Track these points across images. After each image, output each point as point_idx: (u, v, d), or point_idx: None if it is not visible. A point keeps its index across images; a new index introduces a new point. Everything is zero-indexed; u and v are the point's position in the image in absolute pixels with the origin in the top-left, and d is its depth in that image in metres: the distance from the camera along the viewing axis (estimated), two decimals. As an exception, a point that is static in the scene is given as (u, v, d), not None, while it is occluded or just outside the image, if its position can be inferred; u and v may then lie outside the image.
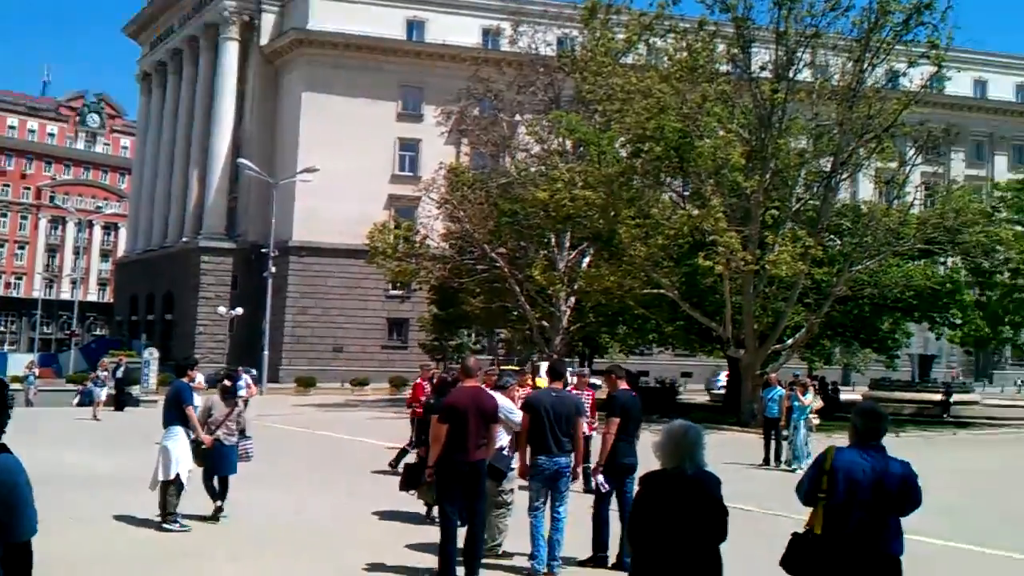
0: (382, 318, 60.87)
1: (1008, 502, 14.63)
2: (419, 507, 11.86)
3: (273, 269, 48.89)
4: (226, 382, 12.22)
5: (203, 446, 11.20)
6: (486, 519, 9.87)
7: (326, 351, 58.92)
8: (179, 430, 11.15)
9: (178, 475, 10.96)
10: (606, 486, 9.50)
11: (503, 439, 9.94)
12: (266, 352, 47.90)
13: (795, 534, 5.52)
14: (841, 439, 18.88)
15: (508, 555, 9.75)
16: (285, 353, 58.09)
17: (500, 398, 10.25)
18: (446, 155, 51.20)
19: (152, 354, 39.17)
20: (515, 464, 9.68)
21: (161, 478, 10.97)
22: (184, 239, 66.07)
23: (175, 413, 11.18)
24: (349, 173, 58.10)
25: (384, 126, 61.23)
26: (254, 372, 26.78)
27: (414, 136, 61.46)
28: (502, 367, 16.50)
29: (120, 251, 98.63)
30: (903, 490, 5.33)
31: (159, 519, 11.03)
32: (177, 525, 10.94)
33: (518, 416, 9.59)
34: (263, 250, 50.71)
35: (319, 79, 60.46)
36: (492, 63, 44.94)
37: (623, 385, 9.89)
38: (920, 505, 5.42)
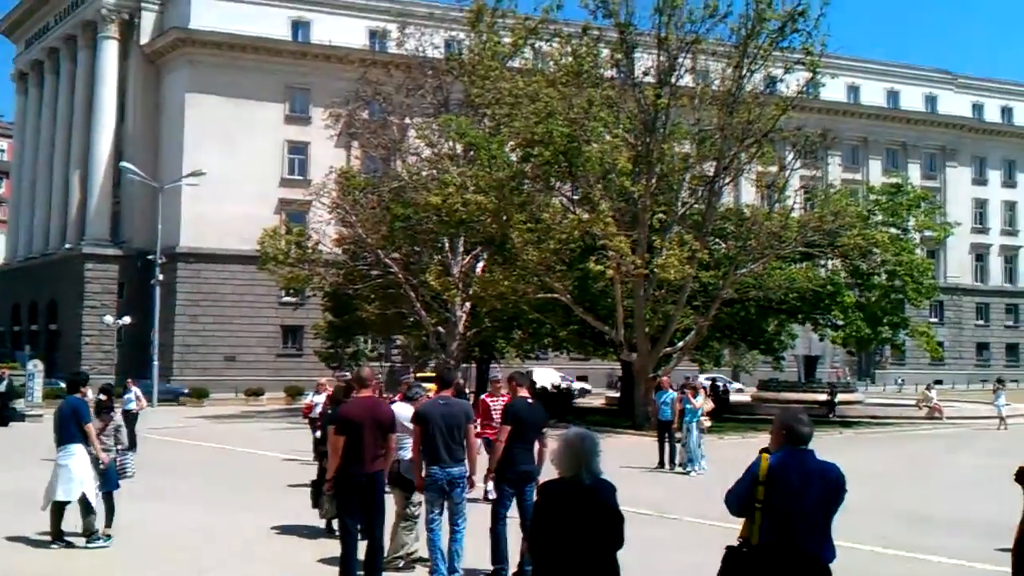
0: (276, 326, 60.04)
1: (902, 501, 15.21)
2: (319, 520, 11.87)
3: (161, 276, 47.81)
4: (101, 396, 12.11)
5: (100, 465, 11.00)
6: (396, 531, 9.98)
7: (218, 360, 57.81)
8: (78, 448, 10.90)
9: (84, 495, 10.81)
10: (493, 494, 9.55)
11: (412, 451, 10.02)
12: (155, 362, 46.83)
13: (730, 547, 5.44)
14: (733, 440, 19.68)
15: (424, 561, 9.69)
16: (176, 363, 56.83)
17: (408, 409, 10.35)
18: (336, 158, 50.94)
19: (36, 366, 37.87)
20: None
21: (62, 498, 10.80)
22: (67, 245, 63.98)
23: (73, 431, 10.90)
24: (237, 177, 57.28)
25: (272, 128, 60.44)
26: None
27: (303, 139, 60.91)
28: (418, 375, 16.66)
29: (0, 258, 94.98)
30: (839, 494, 5.31)
31: (50, 539, 10.88)
32: (99, 541, 10.86)
33: None
34: (150, 257, 49.51)
35: (202, 80, 59.25)
36: (380, 65, 44.85)
37: (522, 392, 9.94)
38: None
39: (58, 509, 10.92)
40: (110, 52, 62.88)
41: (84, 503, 10.87)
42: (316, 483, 11.62)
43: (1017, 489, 5.54)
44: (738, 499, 5.37)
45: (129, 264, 59.70)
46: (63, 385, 13.20)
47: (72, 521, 11.17)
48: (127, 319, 52.70)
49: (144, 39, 62.62)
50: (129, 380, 25.66)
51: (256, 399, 48.74)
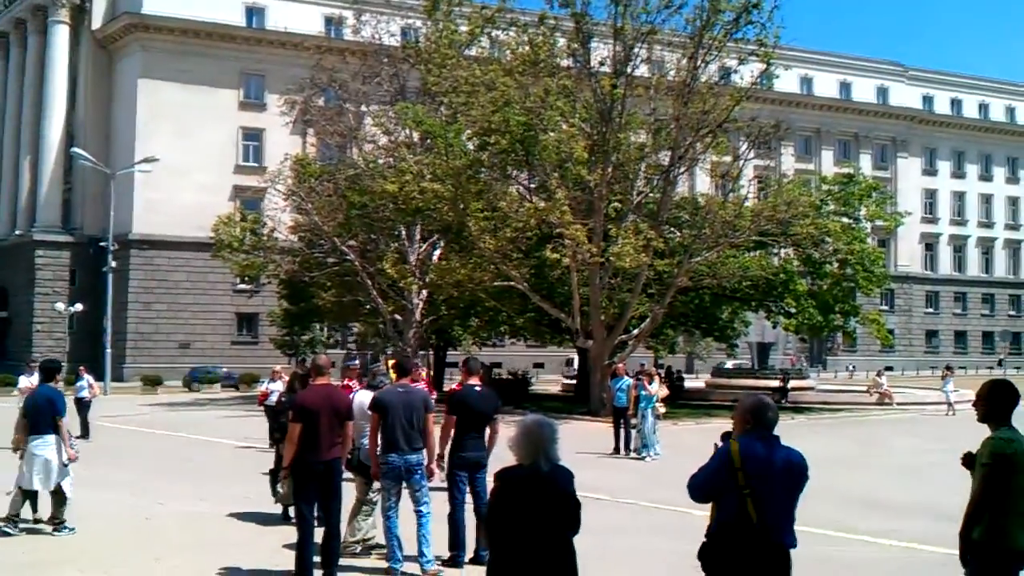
0: (230, 313, 59.65)
1: (853, 485, 15.47)
2: (275, 507, 11.89)
3: (113, 263, 47.27)
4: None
5: (68, 461, 11.00)
6: (354, 517, 10.03)
7: (172, 348, 57.35)
8: (54, 439, 10.87)
9: (59, 485, 10.84)
10: (442, 479, 9.51)
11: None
12: (108, 350, 46.33)
13: (710, 536, 5.28)
14: (687, 426, 19.85)
15: (381, 547, 9.73)
16: (129, 351, 56.29)
17: (371, 396, 10.38)
18: (292, 145, 50.61)
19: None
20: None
21: (39, 487, 10.84)
22: (17, 232, 63.16)
23: (48, 420, 10.86)
24: (191, 163, 56.93)
25: (226, 115, 59.99)
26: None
27: (258, 125, 60.44)
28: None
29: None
30: (803, 479, 5.30)
31: (3, 523, 10.90)
32: (66, 531, 10.90)
33: None
34: (102, 243, 48.92)
35: (155, 65, 58.55)
36: (336, 52, 44.56)
37: (471, 380, 9.89)
38: None
39: (27, 496, 10.94)
40: (61, 37, 61.95)
41: (59, 492, 10.89)
42: (274, 471, 11.63)
43: (965, 473, 5.71)
44: (704, 485, 5.31)
45: (81, 251, 59.01)
46: (36, 373, 13.06)
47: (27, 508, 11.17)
48: (79, 306, 52.12)
49: (96, 24, 61.67)
50: (81, 368, 25.43)
51: (210, 386, 48.43)
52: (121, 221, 52.26)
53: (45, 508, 11.15)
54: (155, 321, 57.80)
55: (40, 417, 10.91)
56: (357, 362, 15.25)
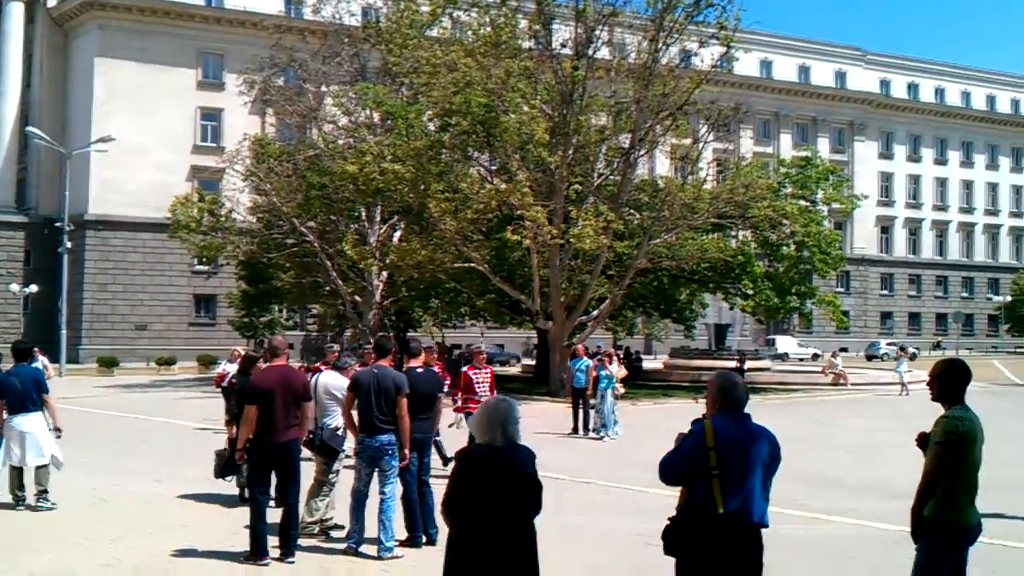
0: (188, 294, 59.13)
1: (808, 464, 15.69)
2: (233, 488, 11.87)
3: (69, 244, 46.61)
4: None
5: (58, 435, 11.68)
6: (311, 498, 10.06)
7: (129, 329, 56.85)
8: (39, 415, 11.47)
9: (54, 456, 11.48)
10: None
11: (338, 419, 10.10)
12: (64, 331, 45.77)
13: (673, 518, 5.28)
14: (646, 406, 19.94)
15: (340, 527, 9.82)
16: (85, 332, 55.74)
17: (337, 377, 10.42)
18: (250, 126, 50.21)
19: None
20: (347, 445, 9.82)
21: (32, 463, 11.31)
22: (-30, 212, 62.04)
23: (36, 398, 11.41)
24: (148, 143, 56.48)
25: (184, 95, 59.37)
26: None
27: (216, 105, 59.86)
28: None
29: None
30: (777, 457, 5.32)
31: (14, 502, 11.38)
32: (48, 503, 11.35)
33: None
34: (57, 224, 48.25)
35: (112, 44, 57.75)
36: (296, 32, 44.26)
37: (413, 363, 9.92)
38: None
39: (17, 473, 11.38)
40: (16, 15, 60.76)
41: (44, 467, 11.41)
42: (222, 452, 11.62)
43: (917, 452, 5.84)
44: (676, 467, 5.26)
45: (35, 231, 58.23)
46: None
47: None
48: (33, 287, 51.47)
49: (52, 2, 60.73)
50: (36, 349, 25.09)
51: (168, 368, 48.06)
52: (77, 201, 51.60)
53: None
54: (111, 302, 57.23)
55: (27, 396, 11.35)
56: (336, 346, 15.25)
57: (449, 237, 29.58)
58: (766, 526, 5.23)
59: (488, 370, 15.16)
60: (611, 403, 20.44)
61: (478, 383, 14.49)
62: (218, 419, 18.47)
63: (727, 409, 5.32)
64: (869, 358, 68.30)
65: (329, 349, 12.71)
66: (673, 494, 5.42)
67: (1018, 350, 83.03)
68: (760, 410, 5.49)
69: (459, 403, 14.93)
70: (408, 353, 10.04)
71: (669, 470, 5.29)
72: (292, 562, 8.72)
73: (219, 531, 10.17)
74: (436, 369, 14.40)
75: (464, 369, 15.17)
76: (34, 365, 22.80)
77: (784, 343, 71.18)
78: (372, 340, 10.63)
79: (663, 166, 50.25)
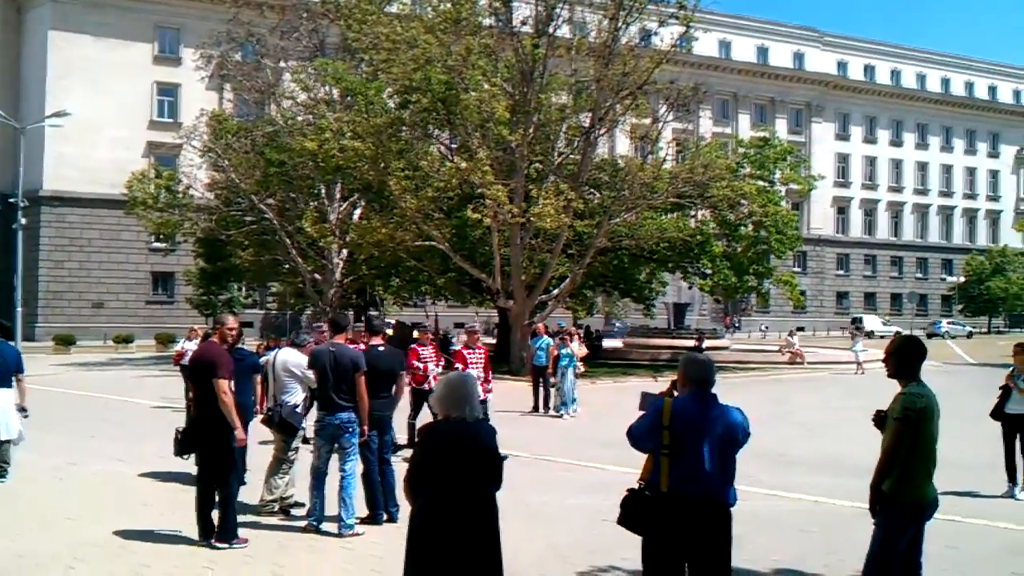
0: (145, 272, 58.56)
1: (765, 442, 15.82)
2: (192, 467, 11.80)
3: (23, 220, 45.89)
4: None
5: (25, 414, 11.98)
6: (270, 475, 10.06)
7: (85, 307, 56.25)
8: (9, 392, 11.75)
9: (21, 432, 11.82)
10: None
11: (297, 396, 10.08)
12: (19, 309, 45.08)
13: (631, 490, 5.43)
14: (605, 384, 20.04)
15: (300, 504, 9.83)
16: (41, 310, 55.14)
17: (295, 354, 10.39)
18: (208, 101, 49.65)
19: None
20: (306, 423, 9.80)
21: (3, 436, 11.62)
22: (-79, 188, 60.79)
23: (4, 374, 11.63)
24: (103, 118, 55.77)
25: (140, 69, 58.68)
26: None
27: (173, 80, 59.19)
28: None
29: None
30: (743, 436, 5.38)
31: None
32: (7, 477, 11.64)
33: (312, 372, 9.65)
34: (11, 200, 47.41)
35: (67, 18, 56.84)
36: (253, 6, 43.77)
37: (374, 340, 9.98)
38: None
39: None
40: (-34, -13, 59.52)
41: (7, 443, 11.70)
42: (182, 430, 11.53)
43: (871, 429, 5.95)
44: (639, 435, 5.40)
45: (-12, 208, 57.20)
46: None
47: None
48: (-13, 264, 50.64)
49: (3, -26, 59.49)
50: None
51: (125, 346, 47.60)
52: (31, 177, 50.88)
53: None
54: (67, 280, 56.60)
55: (4, 371, 11.64)
56: (323, 325, 15.04)
57: (409, 215, 29.48)
58: (727, 504, 5.30)
59: (482, 349, 15.12)
60: (571, 382, 20.57)
61: (472, 363, 14.39)
62: (177, 397, 18.38)
63: (691, 387, 5.44)
64: (930, 336, 69.01)
65: (317, 329, 12.50)
66: (633, 471, 5.49)
67: (971, 330, 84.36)
68: (718, 389, 5.58)
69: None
70: (370, 330, 10.05)
71: (634, 436, 5.46)
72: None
73: (180, 509, 10.12)
74: (431, 351, 14.59)
75: (458, 348, 15.14)
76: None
77: (870, 321, 75.50)
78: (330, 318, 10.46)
79: (623, 145, 50.40)
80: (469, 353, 14.71)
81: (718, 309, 70.12)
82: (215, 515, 8.72)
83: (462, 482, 5.03)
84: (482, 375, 14.24)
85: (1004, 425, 11.73)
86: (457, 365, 14.35)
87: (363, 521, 9.38)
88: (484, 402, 13.56)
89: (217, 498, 8.72)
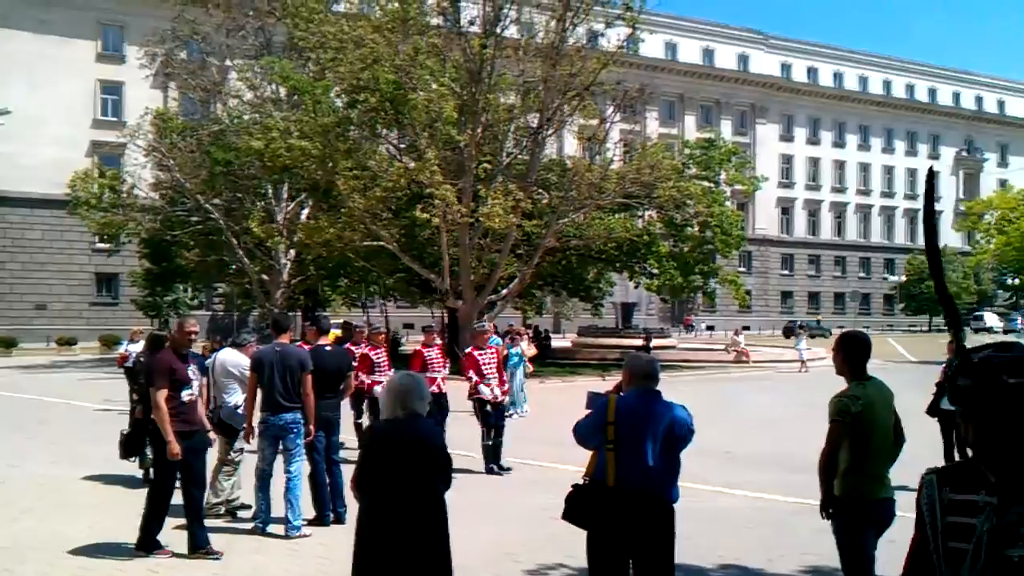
0: (89, 273, 57.71)
1: (711, 439, 15.99)
2: (137, 470, 11.72)
3: (-38, 220, 45.07)
4: None
5: None
6: (216, 477, 9.99)
7: (27, 309, 55.28)
8: None
9: None
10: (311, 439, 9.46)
11: (238, 397, 10.02)
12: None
13: (575, 485, 5.49)
14: (554, 384, 20.08)
15: (247, 507, 9.80)
16: (-20, 311, 54.02)
17: (236, 355, 10.34)
18: (153, 100, 49.07)
19: None
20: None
21: None
22: None
23: None
24: (46, 117, 54.88)
25: (83, 67, 57.82)
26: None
27: (117, 78, 58.40)
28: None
29: None
30: (687, 433, 5.44)
31: None
32: None
33: None
34: (-50, 201, 46.68)
35: (8, 14, 55.78)
36: (199, 4, 43.21)
37: (322, 340, 10.02)
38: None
39: None
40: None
41: None
42: (127, 434, 11.48)
43: (814, 428, 6.05)
44: (585, 432, 5.47)
45: (-73, 208, 56.10)
46: None
47: None
48: (-76, 266, 49.64)
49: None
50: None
51: (69, 348, 46.88)
52: (-30, 176, 49.95)
53: None
54: (9, 281, 55.63)
55: None
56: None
57: (358, 215, 29.36)
58: (670, 500, 5.37)
59: (493, 350, 14.25)
60: (520, 381, 20.64)
61: (485, 364, 13.47)
62: (121, 400, 18.16)
63: (635, 383, 5.51)
64: (1006, 331, 71.67)
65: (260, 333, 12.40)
66: (580, 469, 5.57)
67: (911, 328, 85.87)
68: (664, 387, 5.67)
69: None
70: (317, 330, 10.05)
71: (579, 434, 5.53)
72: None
73: (124, 512, 10.04)
74: (436, 352, 14.07)
75: (468, 350, 14.26)
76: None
77: (990, 318, 79.01)
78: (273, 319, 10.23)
79: (571, 146, 50.60)
80: (481, 355, 13.70)
81: (665, 309, 70.64)
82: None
83: (407, 481, 5.01)
84: (496, 375, 13.60)
85: (940, 421, 11.98)
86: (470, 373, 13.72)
87: (310, 522, 9.38)
88: (501, 403, 13.53)
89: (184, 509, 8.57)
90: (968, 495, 2.28)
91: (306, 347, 10.41)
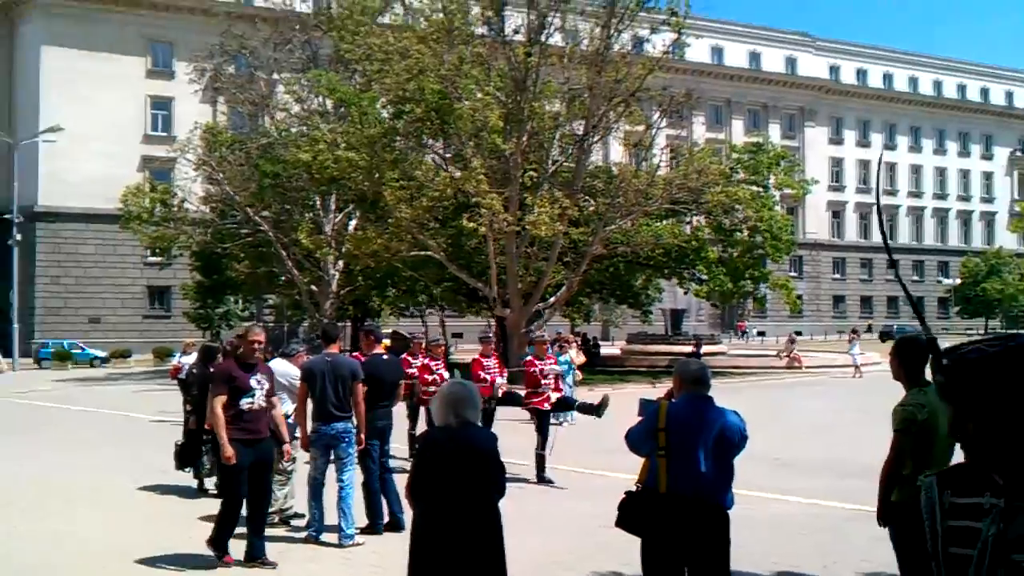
0: (142, 286, 58.55)
1: (763, 446, 15.70)
2: (191, 480, 11.84)
3: (19, 236, 45.98)
4: None
5: None
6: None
7: (82, 323, 56.13)
8: None
9: None
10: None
11: (288, 406, 10.07)
12: (16, 325, 45.09)
13: (629, 492, 5.46)
14: (603, 391, 19.64)
15: (301, 515, 9.82)
16: (38, 326, 54.92)
17: (285, 365, 10.39)
18: (202, 114, 49.73)
19: None
20: (298, 433, 9.84)
21: None
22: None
23: None
24: (98, 133, 55.69)
25: (133, 83, 58.68)
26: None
27: (166, 94, 59.24)
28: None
29: None
30: (740, 439, 5.41)
31: None
32: None
33: None
34: (6, 216, 47.51)
35: (59, 32, 56.77)
36: (246, 19, 43.90)
37: (377, 348, 10.06)
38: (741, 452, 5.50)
39: None
40: (-43, 3, 59.63)
41: None
42: (182, 444, 11.64)
43: (870, 432, 5.93)
44: (636, 438, 5.46)
45: (-16, 224, 57.26)
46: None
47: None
48: (-17, 282, 50.68)
49: (-5, -11, 59.59)
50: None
51: (123, 361, 47.57)
52: (26, 193, 50.92)
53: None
54: (64, 296, 56.55)
55: None
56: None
57: (405, 225, 29.51)
58: (725, 507, 5.32)
59: (552, 360, 13.86)
60: (570, 388, 20.55)
61: (544, 374, 13.13)
62: (175, 411, 18.38)
63: (686, 389, 5.46)
64: None
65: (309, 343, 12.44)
66: (631, 476, 5.52)
67: (967, 332, 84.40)
68: (714, 393, 5.60)
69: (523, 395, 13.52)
70: (371, 339, 10.10)
71: (631, 441, 5.51)
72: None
73: (179, 521, 10.15)
74: (493, 362, 13.95)
75: (528, 359, 13.91)
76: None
77: None
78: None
79: (617, 153, 50.46)
80: (540, 365, 13.36)
81: (715, 315, 70.12)
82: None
83: (460, 488, 5.01)
84: (553, 385, 13.43)
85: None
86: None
87: (363, 531, 9.37)
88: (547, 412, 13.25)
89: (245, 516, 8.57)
90: (972, 498, 2.17)
91: (360, 357, 10.45)
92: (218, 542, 8.42)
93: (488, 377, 13.49)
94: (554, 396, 13.44)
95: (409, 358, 14.30)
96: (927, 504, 2.30)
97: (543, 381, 13.25)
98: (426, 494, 5.08)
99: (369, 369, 9.51)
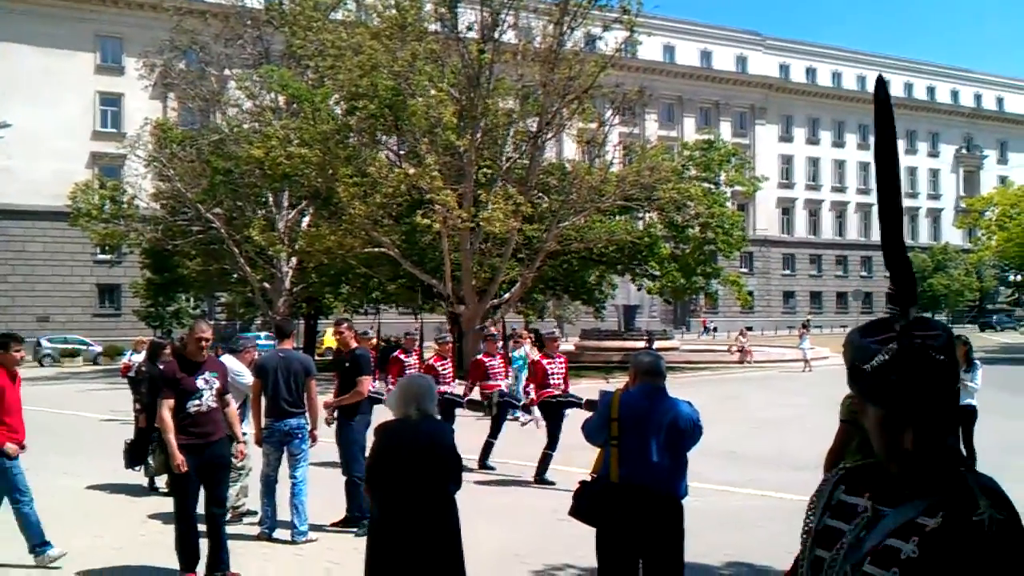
0: (91, 284, 57.79)
1: (715, 439, 15.89)
2: (142, 478, 11.74)
3: (-37, 234, 45.13)
4: None
5: None
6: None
7: (31, 321, 55.20)
8: None
9: None
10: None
11: (233, 404, 10.00)
12: (-40, 324, 44.29)
13: (583, 482, 5.51)
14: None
15: (253, 512, 9.79)
16: (-17, 324, 53.97)
17: (230, 361, 10.32)
18: (152, 110, 49.25)
19: None
20: (250, 428, 9.78)
21: None
22: None
23: None
24: (46, 130, 54.99)
25: (82, 79, 57.88)
26: None
27: (116, 90, 58.52)
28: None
29: None
30: (692, 430, 5.42)
31: None
32: None
33: (248, 379, 9.62)
34: (-49, 214, 46.71)
35: (7, 28, 55.87)
36: (197, 14, 43.42)
37: (283, 344, 10.09)
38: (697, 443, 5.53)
39: None
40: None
41: None
42: (131, 443, 11.54)
43: (819, 425, 6.06)
44: (592, 429, 5.50)
45: (-72, 222, 56.20)
46: None
47: None
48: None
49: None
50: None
51: (72, 360, 46.89)
52: (-29, 190, 50.04)
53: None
54: (11, 294, 55.66)
55: None
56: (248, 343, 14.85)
57: (358, 222, 29.40)
58: (679, 497, 5.38)
59: (562, 359, 13.25)
60: (523, 384, 20.61)
61: (551, 374, 12.71)
62: (124, 410, 18.19)
63: (641, 380, 5.52)
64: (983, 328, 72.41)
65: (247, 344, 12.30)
66: (586, 471, 5.58)
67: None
68: (669, 388, 5.67)
69: (531, 396, 13.16)
70: (355, 335, 10.33)
71: (587, 432, 5.56)
72: None
73: (129, 521, 10.06)
74: (499, 360, 14.37)
75: (537, 358, 13.64)
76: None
77: None
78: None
79: (570, 150, 50.59)
80: (549, 363, 12.85)
81: (668, 310, 70.61)
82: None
83: (418, 481, 5.03)
84: (563, 385, 13.02)
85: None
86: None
87: (343, 521, 9.48)
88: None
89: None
90: (856, 497, 1.91)
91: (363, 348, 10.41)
92: (186, 561, 7.94)
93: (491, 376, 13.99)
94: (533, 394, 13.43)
95: (401, 355, 14.48)
96: (814, 499, 2.05)
97: (550, 380, 12.84)
98: (384, 484, 5.09)
99: (357, 362, 9.63)
